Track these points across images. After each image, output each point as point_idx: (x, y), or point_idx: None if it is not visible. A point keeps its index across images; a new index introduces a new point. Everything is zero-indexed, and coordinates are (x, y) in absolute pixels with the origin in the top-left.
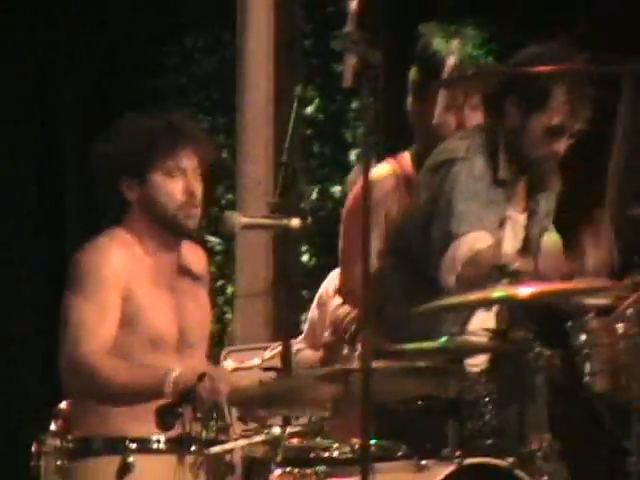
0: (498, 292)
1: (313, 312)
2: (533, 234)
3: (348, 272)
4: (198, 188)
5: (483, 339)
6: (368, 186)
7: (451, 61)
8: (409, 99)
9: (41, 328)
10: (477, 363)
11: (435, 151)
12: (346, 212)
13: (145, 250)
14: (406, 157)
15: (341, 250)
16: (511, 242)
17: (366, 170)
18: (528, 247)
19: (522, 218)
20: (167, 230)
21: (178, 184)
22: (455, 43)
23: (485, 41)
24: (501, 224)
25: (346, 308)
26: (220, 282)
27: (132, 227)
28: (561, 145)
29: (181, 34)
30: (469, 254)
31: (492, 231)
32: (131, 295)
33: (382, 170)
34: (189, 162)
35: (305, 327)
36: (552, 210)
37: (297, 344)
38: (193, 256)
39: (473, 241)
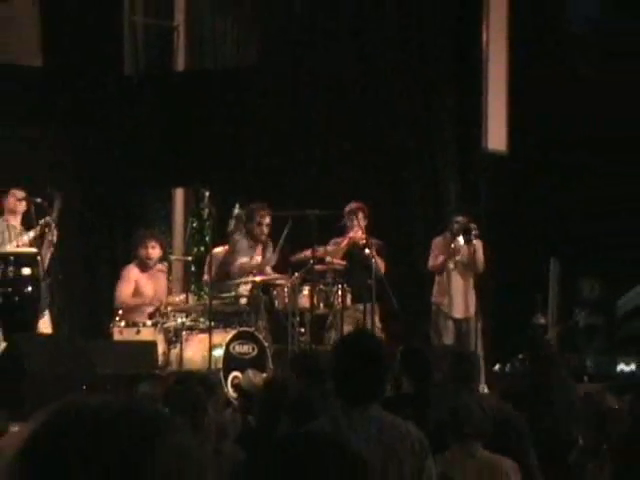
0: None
1: None
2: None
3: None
4: (155, 254)
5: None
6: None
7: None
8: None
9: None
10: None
11: None
12: None
13: (140, 269)
14: None
15: None
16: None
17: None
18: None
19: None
20: (145, 264)
21: (146, 252)
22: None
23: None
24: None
25: None
26: None
27: (135, 261)
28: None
29: None
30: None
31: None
32: (137, 282)
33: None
34: (153, 243)
35: None
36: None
37: None
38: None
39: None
